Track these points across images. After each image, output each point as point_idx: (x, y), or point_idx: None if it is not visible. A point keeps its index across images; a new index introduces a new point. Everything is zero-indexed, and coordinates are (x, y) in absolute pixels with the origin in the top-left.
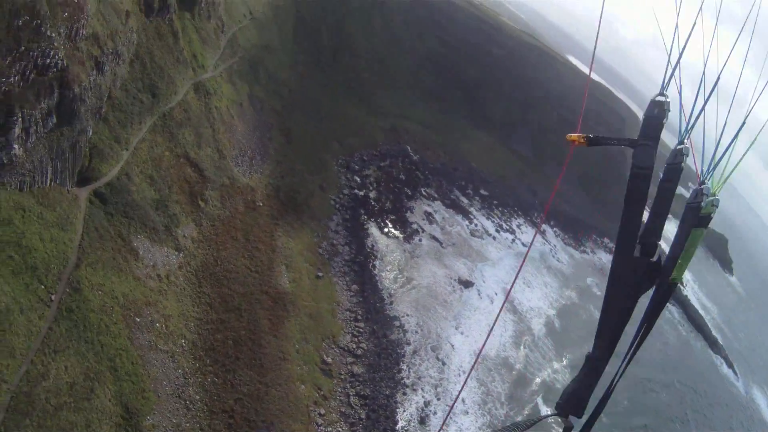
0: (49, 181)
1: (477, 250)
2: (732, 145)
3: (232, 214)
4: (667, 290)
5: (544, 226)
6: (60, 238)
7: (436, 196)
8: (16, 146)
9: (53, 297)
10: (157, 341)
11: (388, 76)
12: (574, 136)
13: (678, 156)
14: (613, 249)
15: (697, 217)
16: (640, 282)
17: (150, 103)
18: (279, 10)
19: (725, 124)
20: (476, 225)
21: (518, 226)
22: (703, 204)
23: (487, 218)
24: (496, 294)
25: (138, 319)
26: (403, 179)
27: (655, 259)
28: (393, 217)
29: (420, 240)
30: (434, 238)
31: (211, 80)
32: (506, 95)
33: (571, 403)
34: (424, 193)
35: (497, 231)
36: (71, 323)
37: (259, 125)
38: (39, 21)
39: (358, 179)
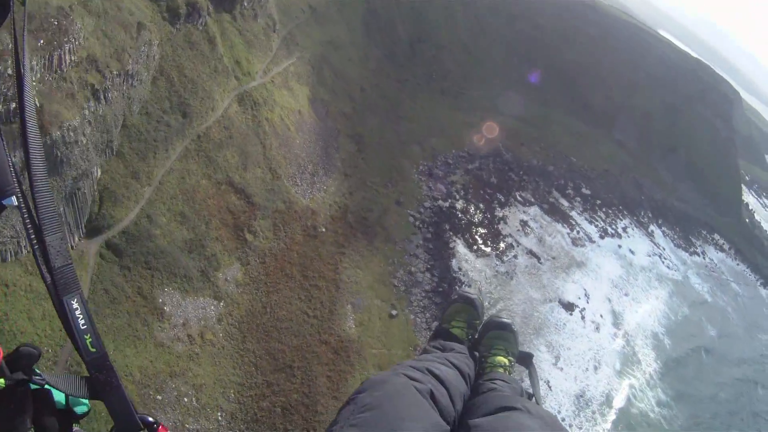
0: None
1: (579, 261)
2: None
3: (287, 246)
4: None
5: (651, 227)
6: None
7: (532, 200)
8: None
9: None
10: (184, 420)
11: (475, 66)
12: None
13: None
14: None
15: None
16: None
17: (179, 125)
18: (345, 1)
19: None
20: (578, 232)
21: (624, 229)
22: None
23: (590, 222)
24: (601, 317)
25: (159, 397)
26: (494, 183)
27: None
28: (483, 230)
29: (515, 256)
30: (531, 252)
31: (259, 88)
32: (605, 80)
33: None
34: (519, 198)
35: (601, 237)
36: None
37: (322, 133)
38: None
39: (443, 187)
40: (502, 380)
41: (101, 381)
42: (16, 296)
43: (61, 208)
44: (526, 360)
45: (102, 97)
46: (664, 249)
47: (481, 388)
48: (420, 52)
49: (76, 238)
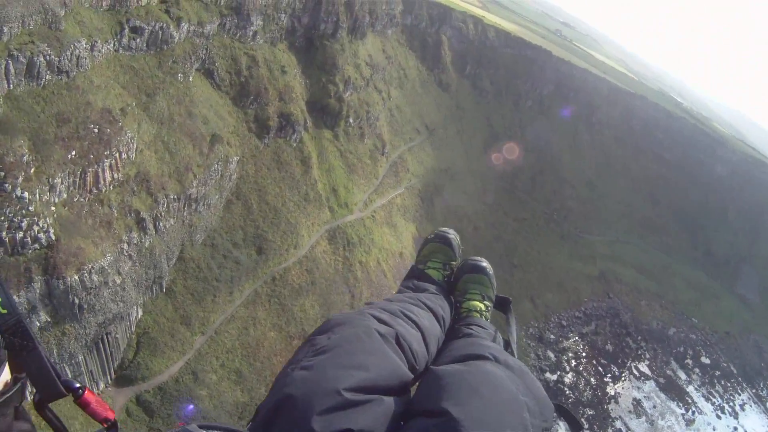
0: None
1: None
2: None
3: None
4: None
5: None
6: None
7: (649, 373)
8: None
9: None
10: None
11: (596, 204)
12: None
13: None
14: None
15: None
16: None
17: (252, 263)
18: (464, 123)
19: None
20: (693, 412)
21: (741, 406)
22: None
23: (707, 399)
24: None
25: None
26: (610, 351)
27: None
28: (591, 411)
29: None
30: None
31: (356, 224)
32: (731, 224)
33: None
34: (635, 371)
35: (717, 416)
36: None
37: None
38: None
39: (553, 355)
40: (479, 326)
41: (16, 345)
42: None
43: (80, 357)
44: (504, 305)
45: (151, 226)
46: None
47: (456, 333)
48: (541, 185)
49: (102, 385)
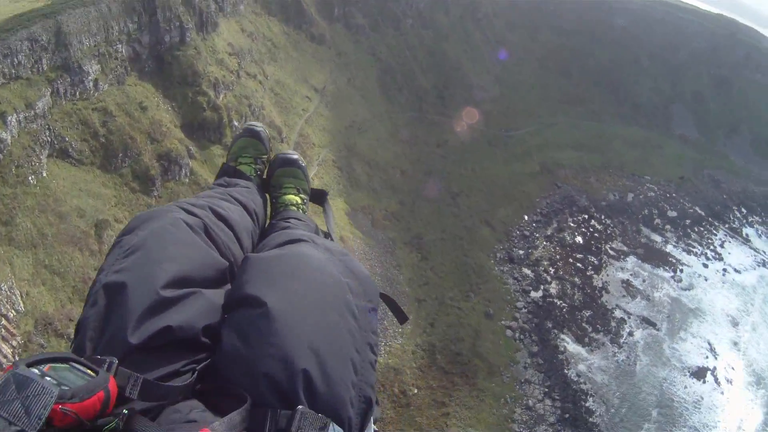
0: None
1: (694, 309)
2: None
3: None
4: None
5: (744, 230)
6: None
7: (625, 249)
8: None
9: None
10: None
11: (512, 98)
12: None
13: None
14: None
15: None
16: None
17: None
18: (351, 69)
19: None
20: (681, 270)
21: (721, 245)
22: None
23: (689, 252)
24: (732, 368)
25: None
26: (581, 244)
27: None
28: (588, 312)
29: (630, 333)
30: (644, 320)
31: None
32: (647, 71)
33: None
34: (611, 252)
35: (705, 265)
36: None
37: (376, 255)
38: None
39: (529, 271)
40: (296, 218)
41: None
42: None
43: None
44: (319, 197)
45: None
46: (764, 252)
47: (274, 227)
48: (450, 99)
49: None
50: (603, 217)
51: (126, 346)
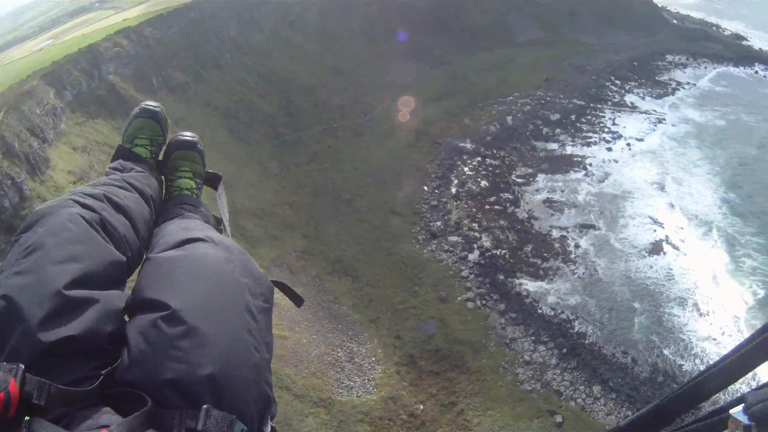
0: None
1: (619, 194)
2: None
3: None
4: None
5: (624, 97)
6: None
7: (530, 171)
8: None
9: None
10: None
11: (354, 81)
12: None
13: None
14: None
15: None
16: None
17: None
18: (201, 133)
19: None
20: (590, 165)
21: (614, 123)
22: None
23: (588, 145)
24: (681, 228)
25: None
26: (488, 186)
27: None
28: (530, 247)
29: (576, 246)
30: (582, 227)
31: None
32: None
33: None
34: (519, 180)
35: (609, 149)
36: None
37: (311, 299)
38: None
39: (456, 238)
40: (190, 204)
41: None
42: None
43: None
44: (213, 182)
45: None
46: (654, 111)
47: (168, 213)
48: (299, 112)
49: None
50: (494, 151)
51: (31, 352)
